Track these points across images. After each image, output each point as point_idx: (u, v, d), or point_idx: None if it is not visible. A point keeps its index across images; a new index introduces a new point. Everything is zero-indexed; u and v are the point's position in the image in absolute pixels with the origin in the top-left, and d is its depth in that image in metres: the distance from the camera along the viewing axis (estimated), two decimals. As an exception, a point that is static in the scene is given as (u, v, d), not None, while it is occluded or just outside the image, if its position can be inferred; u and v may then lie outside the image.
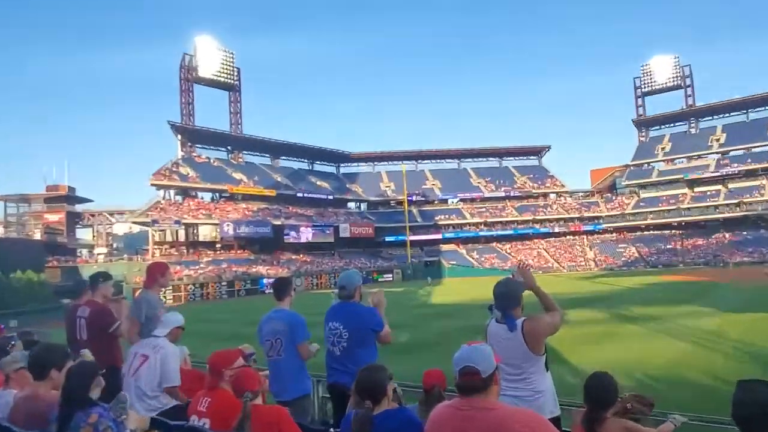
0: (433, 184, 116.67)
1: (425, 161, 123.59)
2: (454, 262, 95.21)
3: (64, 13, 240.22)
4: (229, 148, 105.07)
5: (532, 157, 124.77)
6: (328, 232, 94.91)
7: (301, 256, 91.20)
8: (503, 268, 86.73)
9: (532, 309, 6.76)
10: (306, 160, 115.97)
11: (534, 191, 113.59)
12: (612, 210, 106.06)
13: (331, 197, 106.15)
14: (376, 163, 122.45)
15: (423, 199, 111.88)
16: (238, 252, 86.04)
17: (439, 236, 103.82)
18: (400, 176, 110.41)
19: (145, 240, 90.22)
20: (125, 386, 7.61)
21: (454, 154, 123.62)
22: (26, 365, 6.87)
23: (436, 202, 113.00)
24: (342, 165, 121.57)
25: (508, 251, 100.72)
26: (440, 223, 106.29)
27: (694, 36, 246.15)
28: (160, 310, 8.57)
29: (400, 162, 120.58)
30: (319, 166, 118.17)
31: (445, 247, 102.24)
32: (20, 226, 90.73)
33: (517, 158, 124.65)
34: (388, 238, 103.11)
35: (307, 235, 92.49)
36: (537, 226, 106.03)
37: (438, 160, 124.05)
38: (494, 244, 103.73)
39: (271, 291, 8.58)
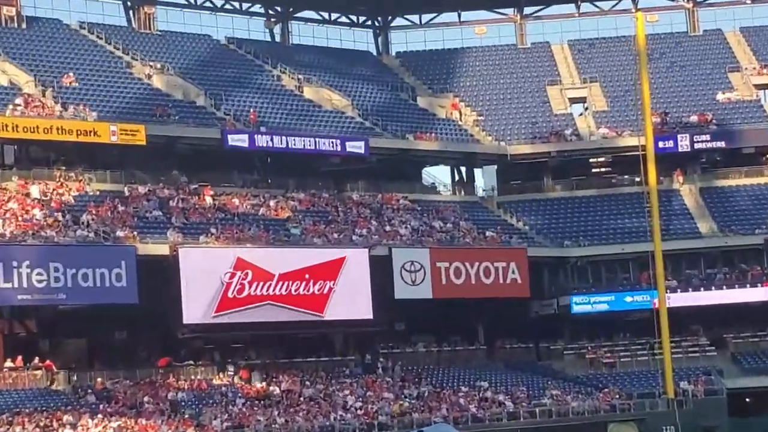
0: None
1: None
2: None
3: None
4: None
5: None
6: (343, 284, 35.70)
7: (233, 379, 36.29)
8: None
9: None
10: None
11: None
12: None
13: (358, 147, 38.17)
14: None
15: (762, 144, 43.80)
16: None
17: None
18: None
19: None
20: None
21: None
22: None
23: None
24: (396, 19, 51.45)
25: None
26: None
27: None
28: None
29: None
30: (310, 30, 47.31)
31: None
32: None
33: None
34: (579, 302, 40.09)
35: (270, 288, 33.79)
36: None
37: None
38: None
39: None
